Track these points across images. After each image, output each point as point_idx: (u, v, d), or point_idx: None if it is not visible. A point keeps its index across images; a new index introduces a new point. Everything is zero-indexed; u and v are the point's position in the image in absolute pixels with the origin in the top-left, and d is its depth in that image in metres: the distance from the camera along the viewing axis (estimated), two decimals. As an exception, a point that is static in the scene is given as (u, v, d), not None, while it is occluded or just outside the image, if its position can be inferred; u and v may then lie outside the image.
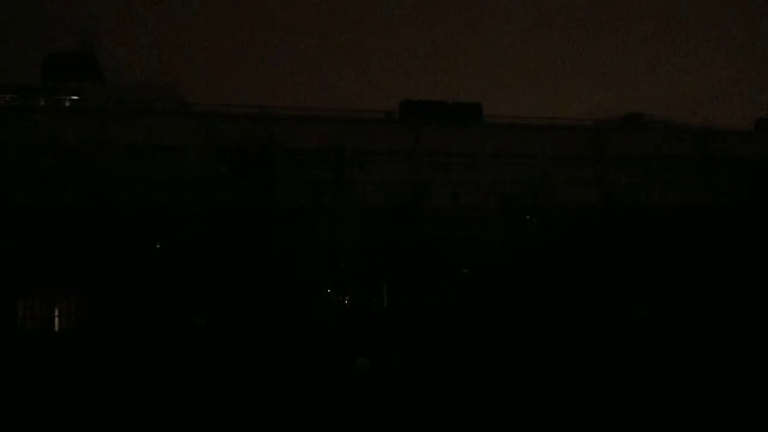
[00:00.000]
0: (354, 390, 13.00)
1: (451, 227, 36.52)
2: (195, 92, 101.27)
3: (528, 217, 36.91)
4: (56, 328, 31.68)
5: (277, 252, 29.05)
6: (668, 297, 26.79)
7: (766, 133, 45.08)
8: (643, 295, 26.85)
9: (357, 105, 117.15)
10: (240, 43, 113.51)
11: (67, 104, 36.17)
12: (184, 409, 13.32)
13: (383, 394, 12.99)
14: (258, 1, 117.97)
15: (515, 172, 38.03)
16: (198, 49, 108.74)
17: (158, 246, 29.91)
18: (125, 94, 34.89)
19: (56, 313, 31.95)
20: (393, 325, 23.45)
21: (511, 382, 15.62)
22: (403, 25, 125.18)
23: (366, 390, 12.99)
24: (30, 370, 18.90)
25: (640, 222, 32.85)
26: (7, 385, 16.05)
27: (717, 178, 40.29)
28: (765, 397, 13.33)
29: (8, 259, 28.13)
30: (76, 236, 28.34)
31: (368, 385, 13.03)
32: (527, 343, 19.68)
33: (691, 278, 28.34)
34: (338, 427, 11.96)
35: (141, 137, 32.38)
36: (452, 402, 13.59)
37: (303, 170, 31.83)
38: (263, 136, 29.80)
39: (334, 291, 34.52)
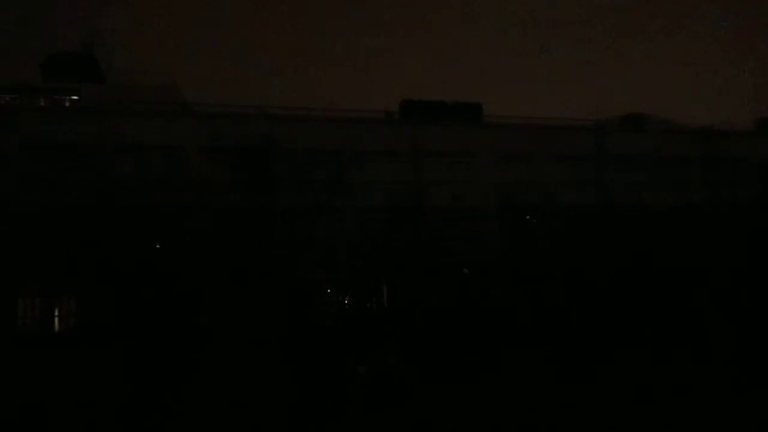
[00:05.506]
0: (353, 390, 13.00)
1: (451, 227, 36.43)
2: (195, 92, 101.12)
3: (528, 217, 36.85)
4: (56, 328, 31.68)
5: (277, 252, 29.02)
6: (668, 297, 26.80)
7: (766, 133, 45.07)
8: (643, 295, 26.87)
9: (357, 105, 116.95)
10: (240, 43, 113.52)
11: (67, 104, 36.14)
12: (185, 409, 13.32)
13: (383, 394, 13.00)
14: (259, 1, 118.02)
15: (515, 172, 37.95)
16: (198, 49, 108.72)
17: (158, 246, 29.86)
18: (125, 94, 34.84)
19: (56, 313, 31.94)
20: (393, 325, 23.48)
21: (510, 381, 15.63)
22: (403, 25, 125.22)
23: (365, 389, 12.99)
24: (30, 370, 18.89)
25: (640, 222, 32.79)
26: (7, 385, 16.05)
27: (717, 178, 40.20)
28: (764, 397, 13.34)
29: (8, 259, 28.11)
30: (76, 236, 28.29)
31: (368, 385, 13.04)
32: (527, 342, 19.72)
33: (691, 278, 28.31)
34: (338, 426, 11.96)
35: (141, 137, 32.31)
36: (451, 401, 13.59)
37: (303, 170, 31.74)
38: (263, 136, 29.72)
39: (334, 291, 34.46)
